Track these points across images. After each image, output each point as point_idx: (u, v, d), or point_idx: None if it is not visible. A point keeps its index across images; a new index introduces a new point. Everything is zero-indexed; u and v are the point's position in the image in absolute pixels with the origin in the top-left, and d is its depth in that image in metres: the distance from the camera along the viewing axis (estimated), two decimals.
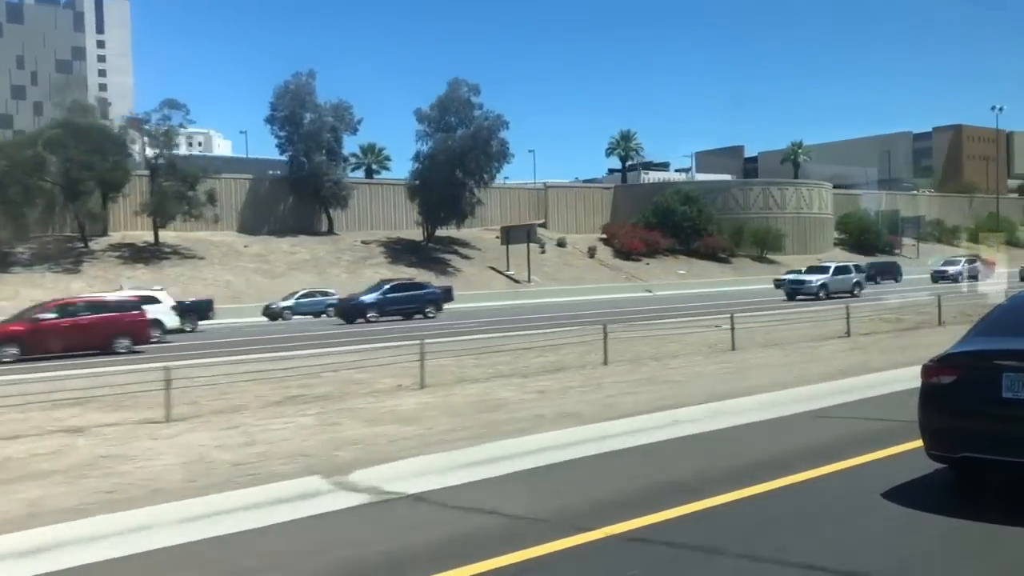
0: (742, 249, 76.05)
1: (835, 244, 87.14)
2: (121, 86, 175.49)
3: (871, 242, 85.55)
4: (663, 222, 73.64)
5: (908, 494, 6.53)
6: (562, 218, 76.08)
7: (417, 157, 60.89)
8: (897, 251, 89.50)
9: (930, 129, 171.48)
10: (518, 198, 76.35)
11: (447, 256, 62.76)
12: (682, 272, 67.78)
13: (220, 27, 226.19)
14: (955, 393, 6.36)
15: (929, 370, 6.62)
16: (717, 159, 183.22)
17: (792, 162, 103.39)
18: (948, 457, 6.54)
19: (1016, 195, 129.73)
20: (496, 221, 73.82)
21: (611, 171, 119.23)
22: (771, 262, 76.92)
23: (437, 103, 59.58)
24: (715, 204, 77.75)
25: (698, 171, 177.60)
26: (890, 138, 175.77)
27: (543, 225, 75.13)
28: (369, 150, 73.34)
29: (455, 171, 58.35)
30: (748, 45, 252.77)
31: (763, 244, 75.58)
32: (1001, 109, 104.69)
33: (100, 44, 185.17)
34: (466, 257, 64.24)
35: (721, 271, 72.08)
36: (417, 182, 60.87)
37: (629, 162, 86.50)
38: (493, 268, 60.29)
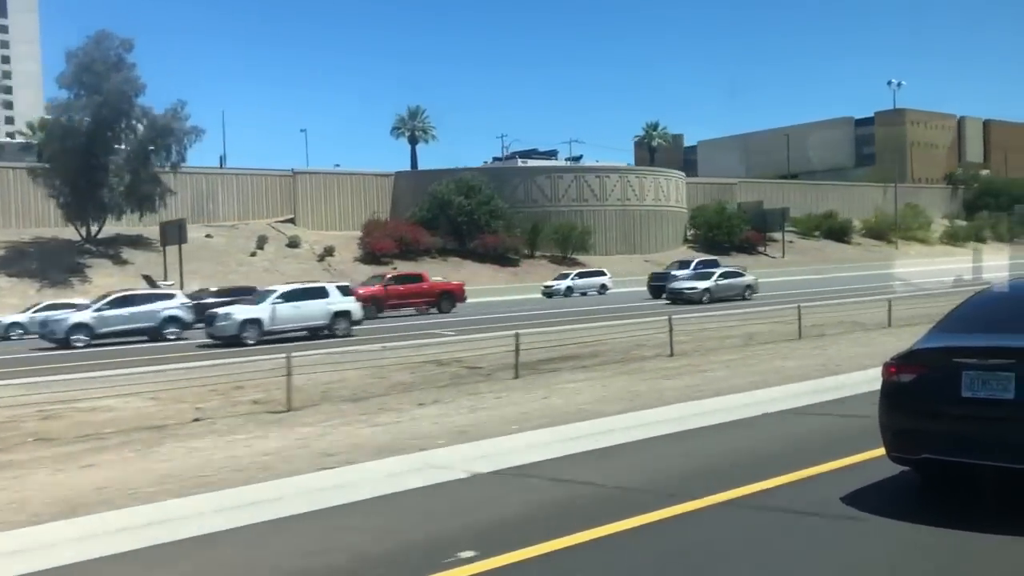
0: (543, 248, 62.66)
1: (686, 241, 73.46)
2: (27, 74, 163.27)
3: (720, 239, 71.11)
4: (437, 217, 60.21)
5: (864, 499, 6.22)
6: (317, 212, 61.25)
7: (52, 132, 46.06)
8: (760, 249, 75.65)
9: (872, 114, 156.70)
10: (263, 187, 60.81)
11: (98, 260, 48.97)
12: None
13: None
14: (915, 392, 6.15)
15: (890, 368, 6.35)
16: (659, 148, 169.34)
17: (647, 147, 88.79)
18: (909, 459, 6.30)
19: (944, 185, 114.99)
20: (232, 215, 60.16)
21: (497, 158, 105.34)
22: (578, 263, 63.21)
23: (76, 64, 45.58)
24: (515, 195, 64.09)
25: (636, 163, 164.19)
26: (831, 124, 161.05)
27: (291, 220, 61.52)
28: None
29: (93, 150, 44.66)
30: (697, 29, 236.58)
31: (565, 243, 61.71)
32: (899, 84, 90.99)
33: (3, 29, 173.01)
34: (124, 262, 49.71)
35: (496, 276, 56.84)
36: (49, 165, 46.19)
37: (418, 145, 71.28)
38: (148, 277, 46.64)
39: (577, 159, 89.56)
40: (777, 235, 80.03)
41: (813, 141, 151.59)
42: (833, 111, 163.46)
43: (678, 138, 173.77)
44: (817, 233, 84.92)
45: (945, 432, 5.87)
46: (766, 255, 74.16)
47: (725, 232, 70.19)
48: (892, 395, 6.27)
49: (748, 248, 73.00)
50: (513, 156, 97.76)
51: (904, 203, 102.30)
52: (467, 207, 57.57)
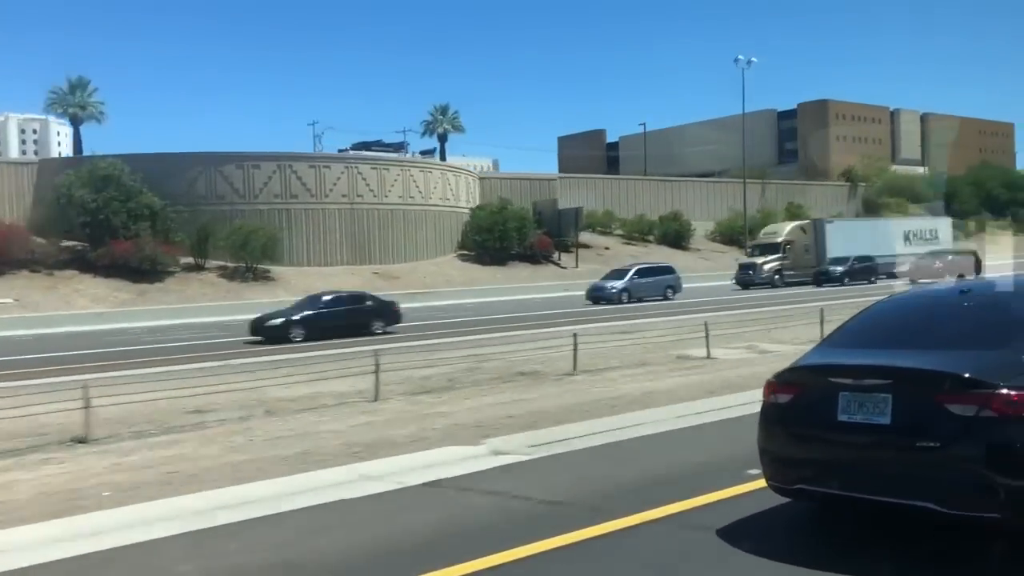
0: (220, 257, 46.69)
1: (462, 248, 58.95)
2: None
3: (490, 245, 55.40)
4: (61, 217, 44.89)
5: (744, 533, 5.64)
6: None
7: None
8: (553, 258, 61.16)
9: (795, 106, 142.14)
10: None
11: None
12: (6, 300, 39.96)
13: None
14: (790, 414, 5.51)
15: (769, 386, 5.76)
16: (578, 145, 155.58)
17: (438, 136, 73.77)
18: (785, 489, 5.66)
19: (842, 182, 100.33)
20: None
21: (343, 149, 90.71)
22: (266, 277, 48.88)
23: None
24: (194, 190, 49.54)
25: (561, 162, 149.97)
26: (752, 118, 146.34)
27: None
28: None
29: None
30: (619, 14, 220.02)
31: (243, 250, 45.33)
32: (749, 62, 76.35)
33: None
34: None
35: (119, 295, 42.13)
36: None
37: (84, 125, 56.56)
38: None
39: (397, 146, 75.58)
40: (590, 239, 66.00)
41: (732, 136, 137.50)
42: (766, 102, 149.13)
43: (600, 133, 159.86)
44: (651, 238, 70.86)
45: (819, 460, 5.33)
46: (557, 264, 59.95)
47: (497, 237, 55.87)
48: (768, 417, 5.67)
49: (533, 256, 58.76)
50: (346, 150, 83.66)
51: (788, 202, 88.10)
52: (92, 204, 43.43)
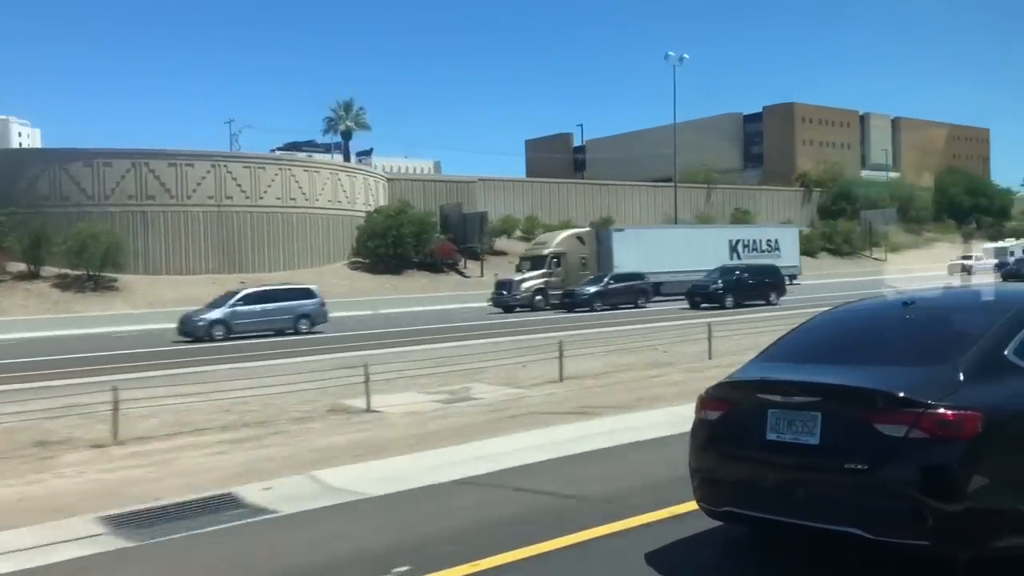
0: (67, 265, 41.72)
1: (352, 257, 53.98)
2: None
3: (385, 252, 50.16)
4: None
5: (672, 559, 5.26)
6: None
7: None
8: (458, 266, 56.48)
9: (761, 109, 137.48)
10: None
11: None
12: None
13: None
14: (720, 432, 5.20)
15: (700, 402, 5.45)
16: (546, 149, 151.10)
17: (341, 134, 68.34)
18: (714, 511, 5.32)
19: (797, 187, 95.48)
20: None
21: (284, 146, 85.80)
22: (112, 288, 44.00)
23: None
24: (35, 190, 44.44)
25: (529, 165, 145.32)
26: (717, 121, 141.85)
27: None
28: None
29: None
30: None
31: (81, 256, 40.32)
32: (681, 59, 71.43)
33: None
34: None
35: None
36: None
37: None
38: None
39: (328, 148, 71.05)
40: (508, 246, 61.17)
41: (694, 139, 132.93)
42: (733, 105, 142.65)
43: (567, 136, 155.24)
44: None
45: (748, 481, 5.02)
46: (462, 273, 55.14)
47: (391, 244, 51.01)
48: (698, 434, 5.39)
49: (434, 265, 53.93)
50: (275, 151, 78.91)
51: (735, 208, 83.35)
52: None
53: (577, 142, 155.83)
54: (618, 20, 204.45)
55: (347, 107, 66.43)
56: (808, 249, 76.47)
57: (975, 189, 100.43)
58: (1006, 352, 4.84)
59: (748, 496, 4.98)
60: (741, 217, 78.95)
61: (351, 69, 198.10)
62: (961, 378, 4.62)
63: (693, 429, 5.42)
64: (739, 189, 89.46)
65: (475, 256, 55.31)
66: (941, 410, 4.41)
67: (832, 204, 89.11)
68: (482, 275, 53.76)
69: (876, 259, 79.32)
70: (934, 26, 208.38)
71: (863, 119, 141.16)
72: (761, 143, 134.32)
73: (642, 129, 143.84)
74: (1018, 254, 68.75)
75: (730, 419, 5.13)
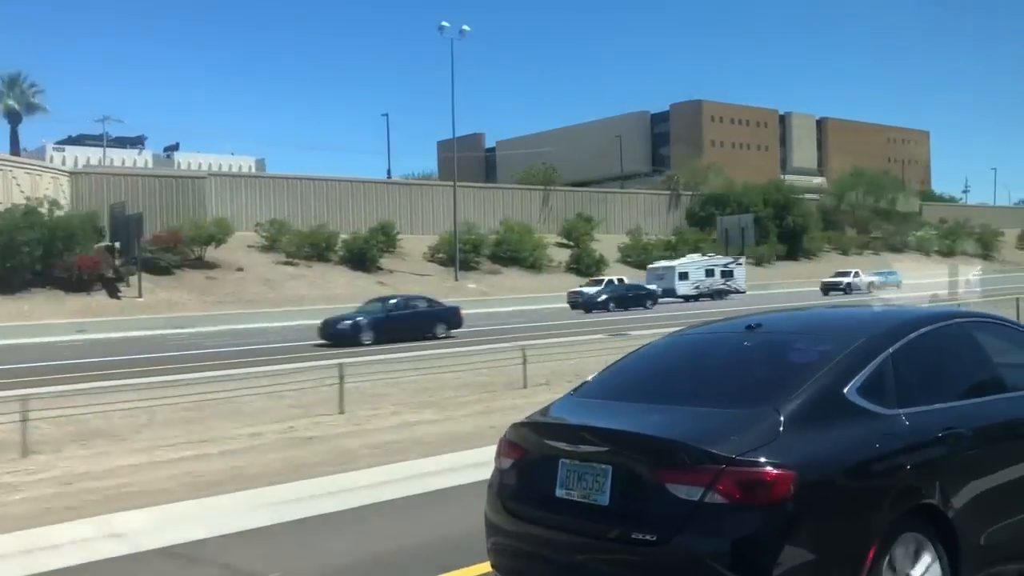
0: None
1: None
2: None
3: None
4: None
5: None
6: None
7: None
8: (118, 282, 44.09)
9: (668, 107, 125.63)
10: None
11: None
12: None
13: None
14: (512, 483, 4.26)
15: (499, 445, 4.45)
16: (458, 149, 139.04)
17: (6, 115, 55.39)
18: None
19: (665, 191, 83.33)
20: None
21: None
22: None
23: None
24: None
25: (440, 165, 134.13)
26: (624, 120, 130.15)
27: None
28: None
29: None
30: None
31: None
32: (462, 31, 59.42)
33: None
34: None
35: None
36: None
37: None
38: None
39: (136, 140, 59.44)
40: (232, 257, 49.20)
41: (602, 141, 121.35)
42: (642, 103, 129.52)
43: (478, 137, 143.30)
44: (335, 254, 54.11)
45: (535, 546, 4.07)
46: (115, 293, 42.94)
47: (29, 257, 38.77)
48: (492, 485, 4.43)
49: (80, 281, 41.71)
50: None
51: (577, 213, 71.38)
52: None
53: (490, 143, 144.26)
54: (531, 17, 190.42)
55: (12, 82, 54.23)
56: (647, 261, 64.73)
57: (879, 193, 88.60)
58: (847, 390, 3.93)
59: (536, 564, 4.04)
60: (572, 227, 67.02)
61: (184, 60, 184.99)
62: (781, 424, 3.69)
63: (491, 478, 4.45)
64: (594, 192, 77.38)
65: (159, 269, 43.46)
66: (745, 467, 3.50)
67: (700, 210, 77.26)
68: (140, 295, 41.76)
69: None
70: (867, 24, 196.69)
71: (783, 119, 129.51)
72: (668, 144, 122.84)
73: (552, 129, 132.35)
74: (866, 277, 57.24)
75: (521, 468, 4.20)
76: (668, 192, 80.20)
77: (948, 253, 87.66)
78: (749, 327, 4.72)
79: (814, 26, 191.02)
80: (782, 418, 3.73)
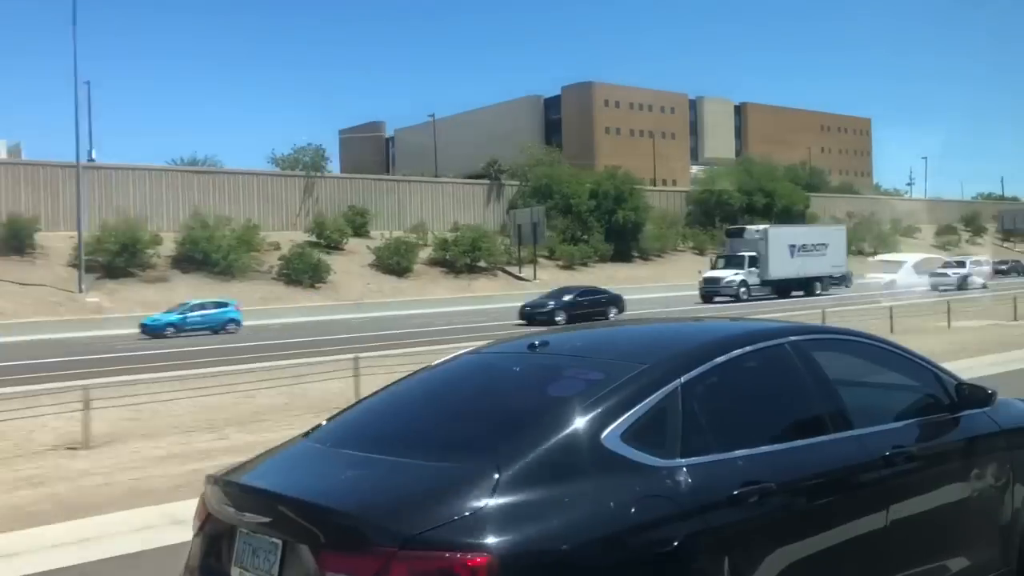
0: None
1: None
2: None
3: None
4: None
5: None
6: None
7: None
8: None
9: (560, 91, 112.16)
10: None
11: None
12: None
13: None
14: (197, 555, 3.25)
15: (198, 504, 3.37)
16: (358, 140, 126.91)
17: None
18: None
19: (483, 180, 70.36)
20: None
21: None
22: None
23: None
24: None
25: (343, 155, 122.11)
26: (517, 105, 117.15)
27: None
28: None
29: None
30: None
31: None
32: None
33: None
34: None
35: None
36: None
37: None
38: None
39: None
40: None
41: (497, 126, 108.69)
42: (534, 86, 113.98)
43: (378, 126, 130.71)
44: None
45: None
46: None
47: None
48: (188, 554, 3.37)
49: None
50: None
51: (350, 206, 58.60)
52: None
53: (390, 131, 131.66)
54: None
55: None
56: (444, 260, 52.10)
57: (755, 183, 75.64)
58: (605, 436, 2.92)
59: None
60: (339, 222, 54.50)
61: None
62: (495, 486, 2.70)
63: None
64: (380, 180, 64.50)
65: None
66: (422, 551, 2.54)
67: (522, 202, 64.60)
68: None
69: (520, 277, 54.61)
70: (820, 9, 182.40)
71: (695, 104, 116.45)
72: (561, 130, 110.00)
73: (450, 116, 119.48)
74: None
75: (206, 536, 3.23)
76: (487, 182, 67.29)
77: None
78: (532, 346, 3.68)
79: (762, 11, 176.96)
80: (498, 476, 2.72)
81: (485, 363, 3.92)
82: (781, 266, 44.52)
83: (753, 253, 44.09)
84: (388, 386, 3.92)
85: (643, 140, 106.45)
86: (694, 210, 76.04)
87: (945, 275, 46.41)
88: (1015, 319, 23.39)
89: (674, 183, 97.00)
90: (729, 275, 43.15)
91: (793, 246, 45.54)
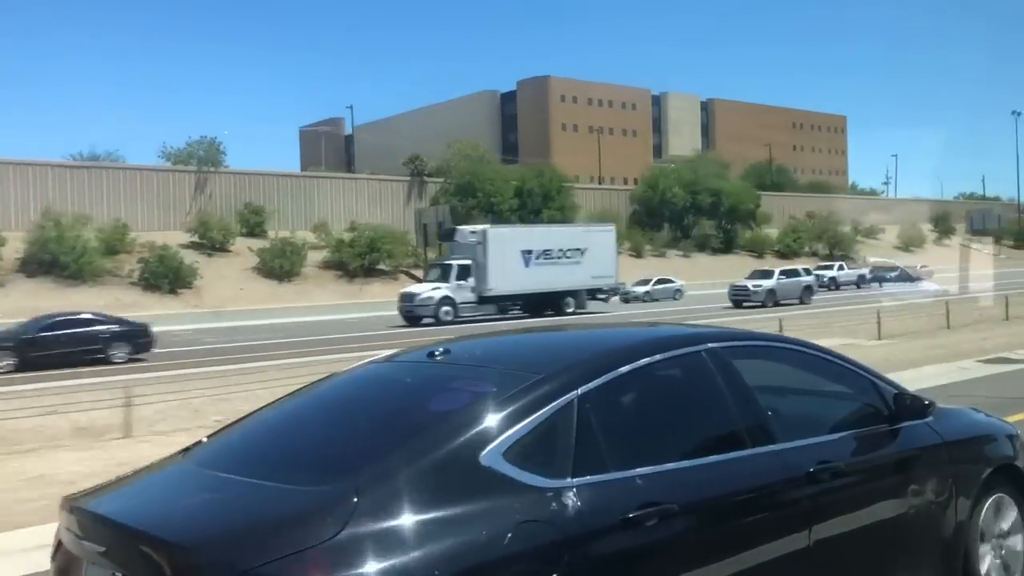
0: None
1: None
2: None
3: None
4: None
5: None
6: None
7: None
8: None
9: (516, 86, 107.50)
10: None
11: None
12: None
13: None
14: None
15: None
16: (317, 136, 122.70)
17: None
18: None
19: (406, 177, 65.91)
20: None
21: None
22: None
23: None
24: None
25: (303, 152, 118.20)
26: (472, 101, 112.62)
27: None
28: None
29: None
30: None
31: None
32: None
33: None
34: None
35: None
36: None
37: None
38: None
39: None
40: None
41: (455, 124, 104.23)
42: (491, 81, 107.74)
43: (337, 122, 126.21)
44: None
45: None
46: None
47: None
48: None
49: None
50: None
51: (246, 203, 54.07)
52: None
53: (349, 128, 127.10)
54: None
55: None
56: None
57: (704, 182, 71.19)
58: (485, 454, 2.68)
59: None
60: (249, 218, 50.27)
61: None
62: (352, 512, 2.44)
63: None
64: (289, 176, 59.93)
65: None
66: None
67: (444, 201, 60.28)
68: None
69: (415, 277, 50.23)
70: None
71: (658, 100, 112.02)
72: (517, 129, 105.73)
73: (408, 111, 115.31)
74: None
75: (57, 567, 3.00)
76: (408, 179, 62.93)
77: (789, 254, 70.98)
78: (432, 354, 3.41)
79: (737, 5, 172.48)
80: (357, 501, 2.47)
81: (380, 374, 3.56)
82: (508, 278, 34.80)
83: (467, 261, 34.71)
84: (282, 398, 3.62)
85: (603, 137, 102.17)
86: (638, 210, 71.55)
87: (745, 289, 38.66)
88: (879, 338, 19.03)
89: (635, 182, 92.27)
90: (427, 290, 34.19)
91: (528, 252, 35.84)
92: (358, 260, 47.27)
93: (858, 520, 3.39)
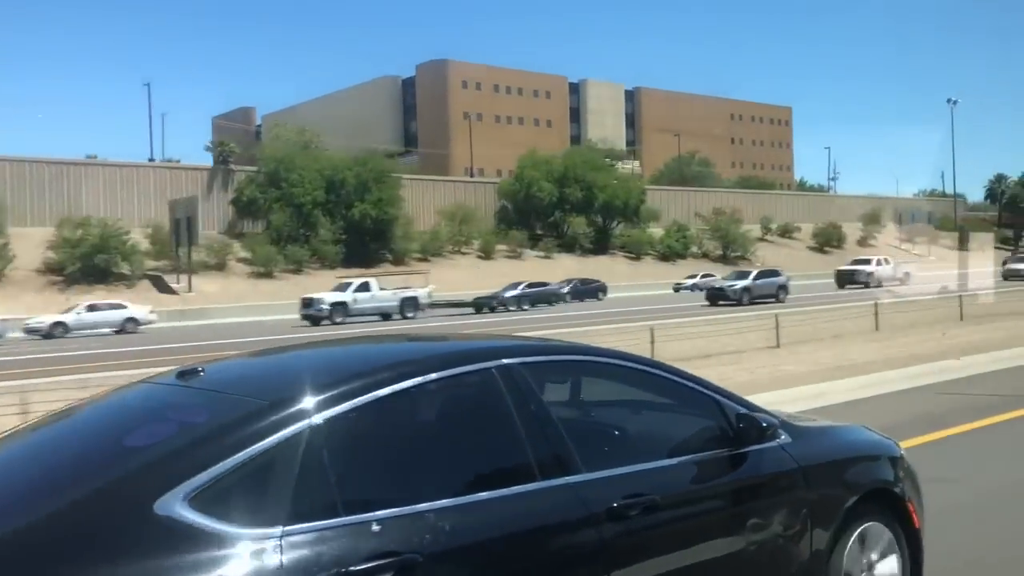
0: None
1: None
2: None
3: None
4: None
5: None
6: None
7: None
8: None
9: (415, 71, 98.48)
10: None
11: None
12: None
13: None
14: None
15: None
16: (228, 128, 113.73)
17: None
18: None
19: (207, 166, 57.00)
20: None
21: None
22: None
23: None
24: None
25: (216, 142, 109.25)
26: (373, 87, 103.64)
27: None
28: None
29: None
30: None
31: None
32: None
33: None
34: None
35: None
36: None
37: None
38: None
39: None
40: None
41: (358, 112, 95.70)
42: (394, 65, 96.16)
43: (248, 112, 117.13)
44: None
45: None
46: None
47: None
48: None
49: None
50: None
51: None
52: None
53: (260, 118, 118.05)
54: None
55: None
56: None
57: (573, 175, 62.50)
58: (162, 502, 2.29)
59: None
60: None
61: None
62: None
63: None
64: (45, 163, 50.84)
65: None
66: None
67: (246, 192, 51.62)
68: None
69: (171, 290, 41.30)
70: None
71: (577, 87, 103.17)
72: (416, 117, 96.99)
73: (315, 99, 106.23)
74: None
75: None
76: (210, 168, 54.13)
77: (672, 255, 62.60)
78: (182, 374, 2.98)
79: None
80: (9, 557, 2.21)
81: (119, 400, 3.09)
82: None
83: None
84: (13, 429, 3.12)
85: (511, 127, 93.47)
86: (506, 206, 62.82)
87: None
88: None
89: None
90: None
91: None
92: (75, 264, 38.35)
93: (677, 560, 2.92)
